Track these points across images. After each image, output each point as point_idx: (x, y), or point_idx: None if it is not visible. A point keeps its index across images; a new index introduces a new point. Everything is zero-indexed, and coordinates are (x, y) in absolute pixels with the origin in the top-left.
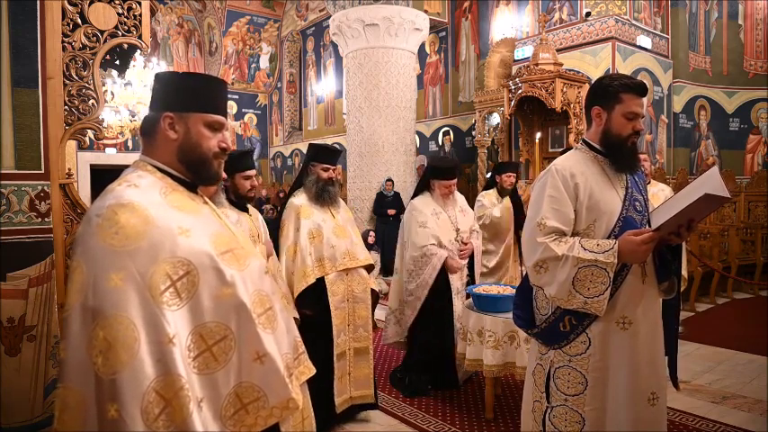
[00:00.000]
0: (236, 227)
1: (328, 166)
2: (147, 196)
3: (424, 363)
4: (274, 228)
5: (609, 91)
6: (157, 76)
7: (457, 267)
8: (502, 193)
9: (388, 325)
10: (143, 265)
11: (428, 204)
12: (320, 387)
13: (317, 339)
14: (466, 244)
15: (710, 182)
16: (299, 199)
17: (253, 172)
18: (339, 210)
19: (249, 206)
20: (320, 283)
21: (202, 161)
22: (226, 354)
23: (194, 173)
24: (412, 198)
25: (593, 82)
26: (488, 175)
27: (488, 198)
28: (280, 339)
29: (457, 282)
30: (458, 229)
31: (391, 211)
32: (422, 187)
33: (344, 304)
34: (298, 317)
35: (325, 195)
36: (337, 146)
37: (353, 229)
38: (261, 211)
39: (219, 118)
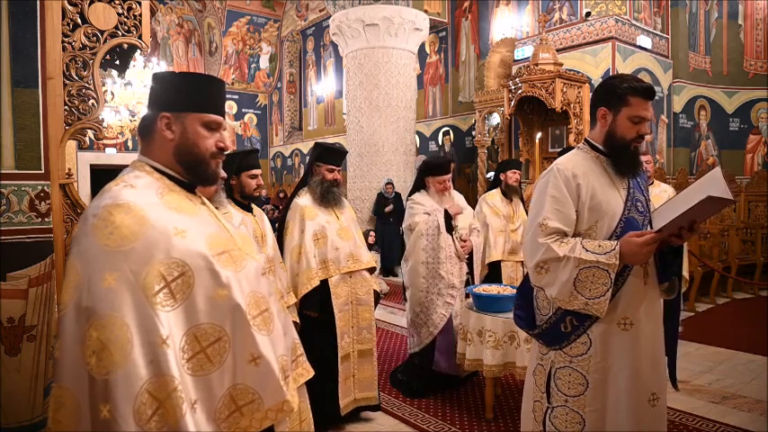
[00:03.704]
0: (241, 228)
1: (333, 167)
2: (144, 197)
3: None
4: (277, 228)
5: (616, 93)
6: (155, 76)
7: (457, 211)
8: (506, 193)
9: (414, 333)
10: (137, 266)
11: (426, 201)
12: (324, 388)
13: (320, 341)
14: (465, 241)
15: (714, 184)
16: (304, 199)
17: (258, 171)
18: (343, 210)
19: (254, 206)
20: (324, 285)
21: (199, 161)
22: (220, 355)
23: (192, 173)
24: (408, 196)
25: (600, 82)
26: (489, 175)
27: (491, 199)
28: (276, 341)
29: (456, 279)
30: (456, 226)
31: (390, 208)
32: (418, 186)
33: (348, 306)
34: (298, 320)
35: (330, 197)
36: (338, 146)
37: (357, 230)
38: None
39: (217, 117)
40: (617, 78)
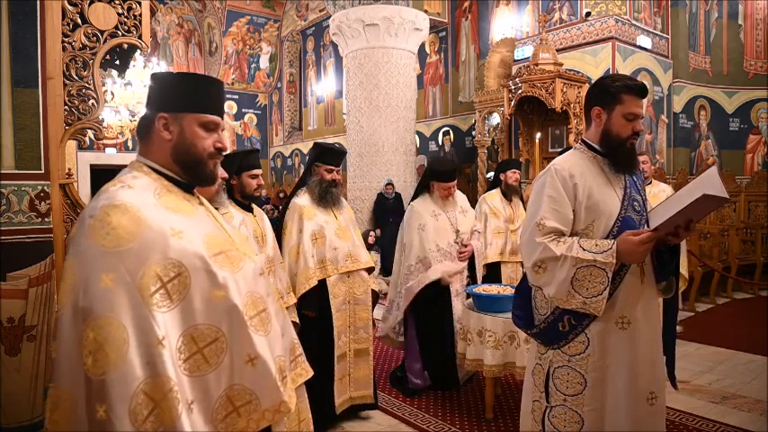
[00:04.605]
0: (242, 228)
1: (332, 167)
2: (141, 197)
3: (425, 363)
4: (276, 227)
5: (609, 92)
6: (153, 77)
7: (450, 281)
8: (506, 193)
9: (384, 318)
10: (133, 267)
11: (427, 206)
12: (321, 387)
13: (317, 340)
14: (466, 246)
15: (709, 182)
16: (302, 199)
17: (259, 171)
18: (342, 210)
19: (254, 206)
20: (322, 284)
21: (197, 161)
22: (217, 356)
23: (190, 173)
24: (411, 200)
25: (593, 82)
26: (489, 175)
27: (491, 199)
28: (273, 342)
29: (457, 284)
30: (458, 231)
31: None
32: (421, 189)
33: (345, 306)
34: (297, 321)
35: (329, 197)
36: (337, 146)
37: (355, 230)
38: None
39: (214, 118)
40: (609, 78)
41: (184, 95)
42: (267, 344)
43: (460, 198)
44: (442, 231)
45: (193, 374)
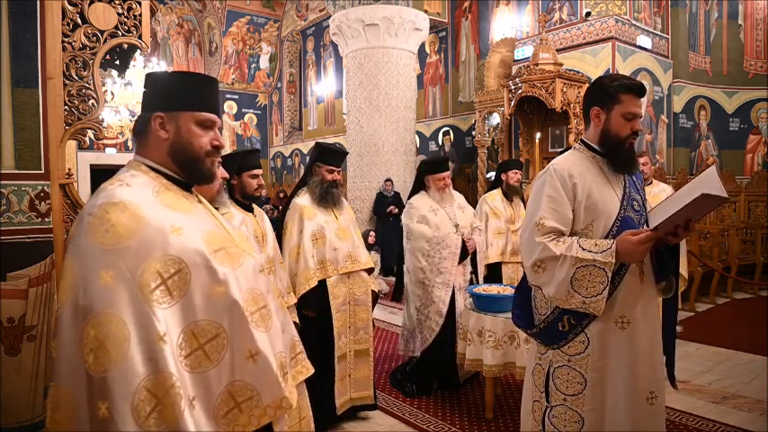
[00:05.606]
0: (242, 228)
1: (333, 168)
2: (139, 195)
3: (426, 362)
4: (276, 227)
5: (608, 92)
6: (148, 77)
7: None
8: (507, 193)
9: (408, 339)
10: (133, 263)
11: (425, 202)
12: (321, 388)
13: (318, 341)
14: (468, 240)
15: (708, 182)
16: (303, 199)
17: (259, 171)
18: (342, 211)
19: (255, 206)
20: (322, 284)
21: (194, 159)
22: (218, 352)
23: (187, 171)
24: (408, 198)
25: (591, 82)
26: (489, 175)
27: (491, 200)
28: (274, 338)
29: (459, 278)
30: (457, 225)
31: (393, 209)
32: (417, 187)
33: (345, 307)
34: (297, 321)
35: (329, 197)
36: (338, 146)
37: (355, 230)
38: None
39: (210, 116)
40: (607, 78)
41: (180, 94)
42: (268, 340)
43: (458, 196)
44: (440, 226)
45: (195, 371)
